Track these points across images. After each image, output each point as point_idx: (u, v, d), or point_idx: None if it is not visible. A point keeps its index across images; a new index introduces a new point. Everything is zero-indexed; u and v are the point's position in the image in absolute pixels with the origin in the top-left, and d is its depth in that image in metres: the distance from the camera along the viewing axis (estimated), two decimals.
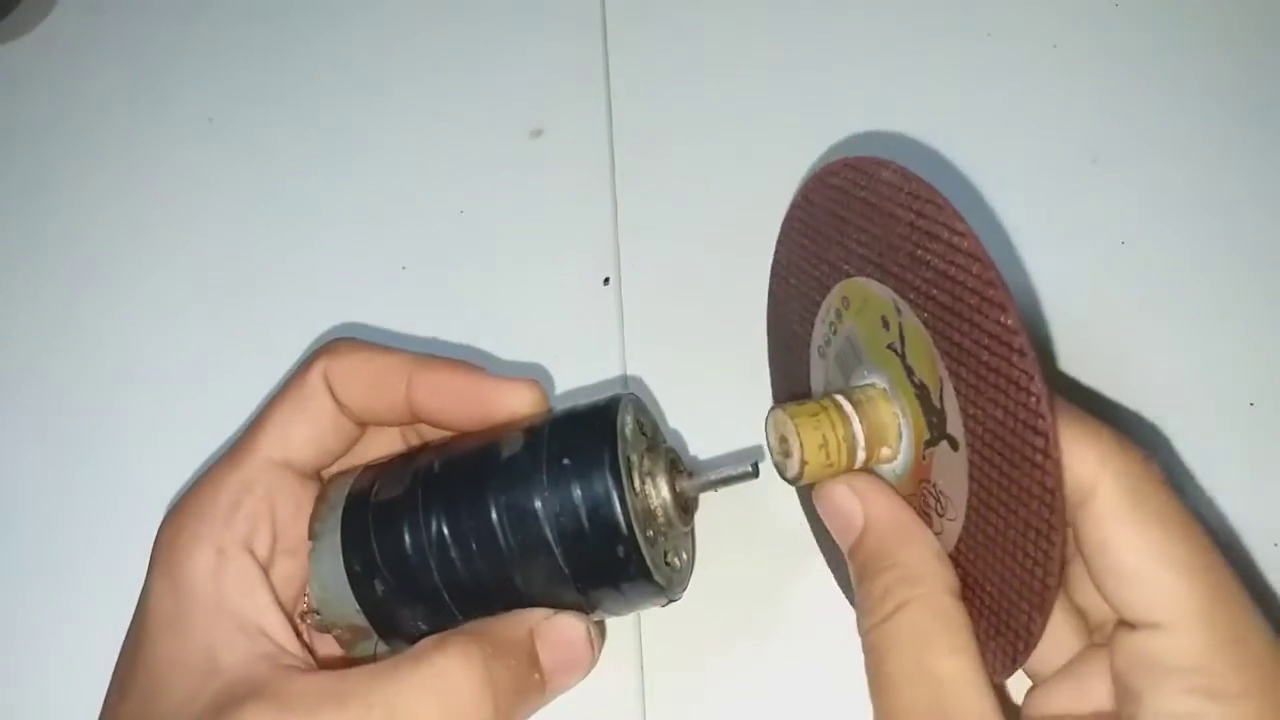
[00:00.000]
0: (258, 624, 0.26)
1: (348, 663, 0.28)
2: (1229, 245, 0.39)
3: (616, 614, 0.29)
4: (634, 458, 0.27)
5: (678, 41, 0.46)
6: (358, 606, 0.27)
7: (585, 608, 0.27)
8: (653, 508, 0.27)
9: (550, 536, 0.26)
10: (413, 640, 0.26)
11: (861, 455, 0.27)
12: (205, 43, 0.49)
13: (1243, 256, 0.39)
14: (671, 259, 0.40)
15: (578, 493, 0.26)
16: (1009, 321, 0.21)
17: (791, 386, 0.33)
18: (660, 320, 0.39)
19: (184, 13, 0.49)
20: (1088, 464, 0.23)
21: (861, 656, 0.26)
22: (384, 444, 0.31)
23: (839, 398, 0.27)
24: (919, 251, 0.24)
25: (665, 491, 0.27)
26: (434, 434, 0.30)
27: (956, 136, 0.42)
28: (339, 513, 0.28)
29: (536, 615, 0.27)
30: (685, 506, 0.28)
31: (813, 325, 0.30)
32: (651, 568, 0.26)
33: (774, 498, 0.30)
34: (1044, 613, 0.23)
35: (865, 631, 0.25)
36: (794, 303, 0.32)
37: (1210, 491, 0.35)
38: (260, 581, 0.27)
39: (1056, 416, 0.21)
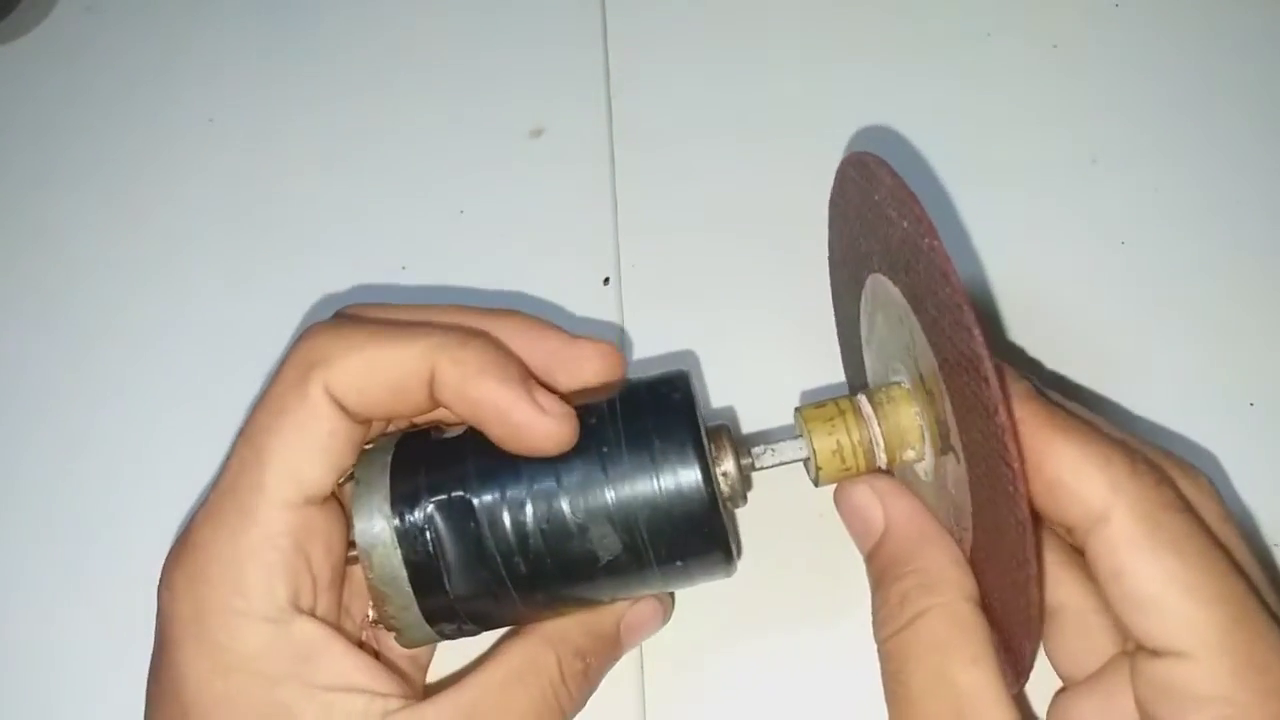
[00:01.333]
0: (353, 682, 0.25)
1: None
2: (1229, 245, 0.39)
3: (675, 590, 0.29)
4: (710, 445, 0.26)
5: (678, 40, 0.46)
6: (438, 639, 0.27)
7: (656, 585, 0.27)
8: (726, 493, 0.27)
9: (642, 538, 0.25)
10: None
11: (882, 458, 0.27)
12: (205, 43, 0.49)
13: (1243, 256, 0.39)
14: (672, 259, 0.40)
15: (666, 487, 0.25)
16: (976, 348, 0.21)
17: (854, 370, 0.33)
18: (660, 320, 0.39)
19: (184, 13, 0.49)
20: (1098, 490, 0.22)
21: (874, 660, 0.25)
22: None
23: (860, 398, 0.27)
24: (910, 259, 0.24)
25: (734, 474, 0.27)
26: None
27: (957, 136, 0.42)
28: (396, 561, 0.25)
29: (622, 605, 0.28)
30: (747, 483, 0.28)
31: (859, 313, 0.30)
32: (735, 552, 0.27)
33: (776, 494, 0.30)
34: (1032, 639, 0.22)
35: (883, 639, 0.25)
36: (844, 289, 0.31)
37: None
38: (330, 637, 0.25)
39: (1023, 451, 0.21)
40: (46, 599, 0.37)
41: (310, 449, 0.25)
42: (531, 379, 0.26)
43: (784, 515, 0.34)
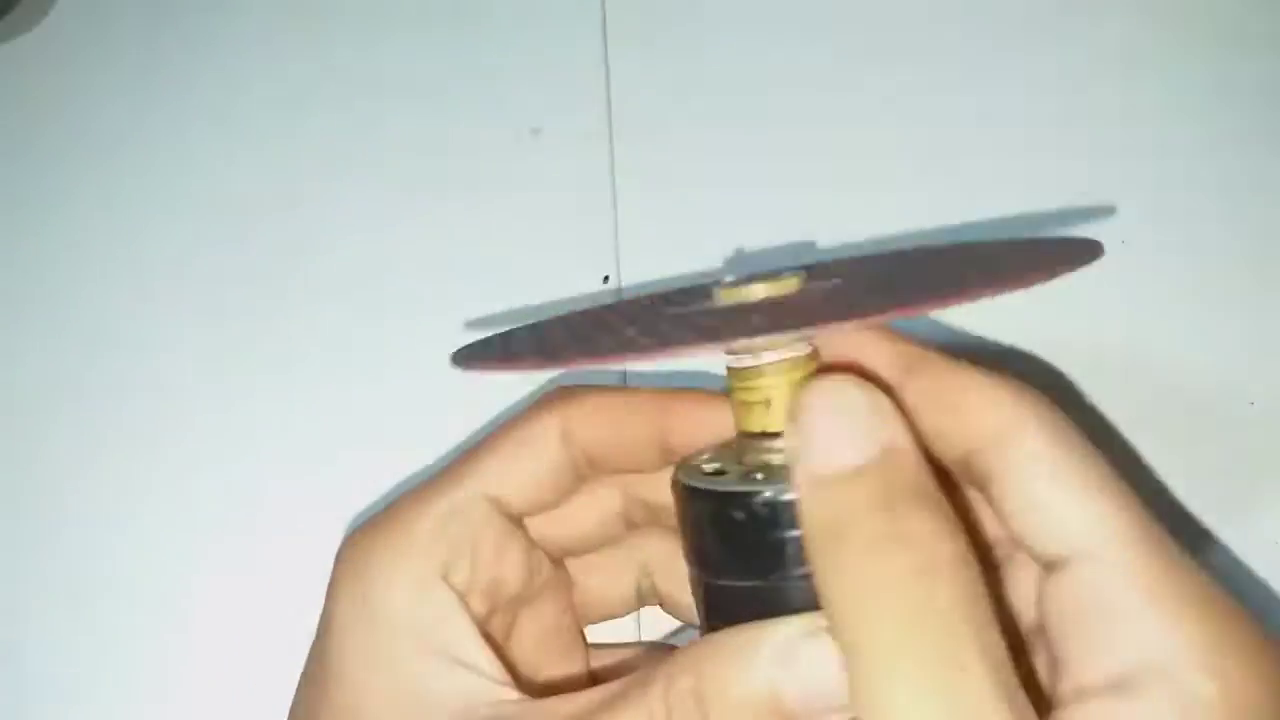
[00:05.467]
0: (477, 661, 0.25)
1: (549, 688, 0.28)
2: (1229, 244, 0.39)
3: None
4: None
5: (679, 39, 0.46)
6: None
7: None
8: None
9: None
10: None
11: None
12: (205, 43, 0.48)
13: (1243, 256, 0.39)
14: (671, 259, 0.40)
15: None
16: None
17: None
18: None
19: (184, 12, 0.49)
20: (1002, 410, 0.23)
21: None
22: (595, 503, 0.29)
23: None
24: None
25: None
26: (655, 498, 0.28)
27: (956, 135, 0.42)
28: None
29: (772, 641, 0.20)
30: None
31: None
32: None
33: None
34: None
35: None
36: None
37: (1210, 492, 0.35)
38: (466, 615, 0.26)
39: None
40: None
41: (521, 456, 0.27)
42: None
43: None
